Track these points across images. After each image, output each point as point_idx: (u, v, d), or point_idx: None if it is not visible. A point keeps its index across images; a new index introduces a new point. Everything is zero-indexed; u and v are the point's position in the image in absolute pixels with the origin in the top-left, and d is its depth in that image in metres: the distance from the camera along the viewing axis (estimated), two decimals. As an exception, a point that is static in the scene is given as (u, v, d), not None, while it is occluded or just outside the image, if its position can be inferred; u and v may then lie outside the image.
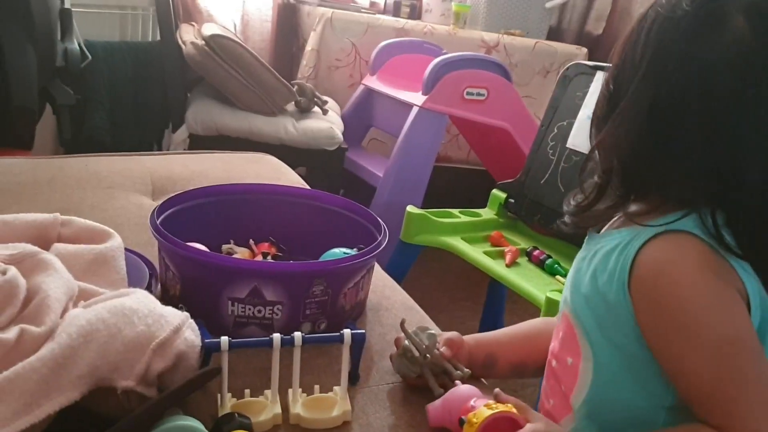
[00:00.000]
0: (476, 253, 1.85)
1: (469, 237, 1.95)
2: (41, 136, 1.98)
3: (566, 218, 0.81)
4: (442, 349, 0.86)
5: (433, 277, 2.48)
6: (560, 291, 1.59)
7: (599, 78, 1.90)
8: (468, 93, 2.35)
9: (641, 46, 0.73)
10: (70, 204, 1.32)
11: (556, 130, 1.96)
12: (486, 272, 1.83)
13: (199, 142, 2.28)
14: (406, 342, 0.86)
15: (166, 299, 0.99)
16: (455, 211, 2.07)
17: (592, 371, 0.75)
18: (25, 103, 1.81)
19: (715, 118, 0.68)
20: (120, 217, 1.29)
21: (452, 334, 0.90)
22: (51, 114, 2.09)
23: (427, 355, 0.85)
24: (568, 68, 2.00)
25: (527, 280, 1.72)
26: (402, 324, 0.87)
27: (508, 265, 1.81)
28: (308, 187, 1.61)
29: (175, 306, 0.95)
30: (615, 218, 0.78)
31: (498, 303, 2.24)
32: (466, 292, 2.51)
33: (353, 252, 1.05)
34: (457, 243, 1.91)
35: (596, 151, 0.76)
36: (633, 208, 0.75)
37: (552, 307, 1.51)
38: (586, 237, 0.81)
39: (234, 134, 2.29)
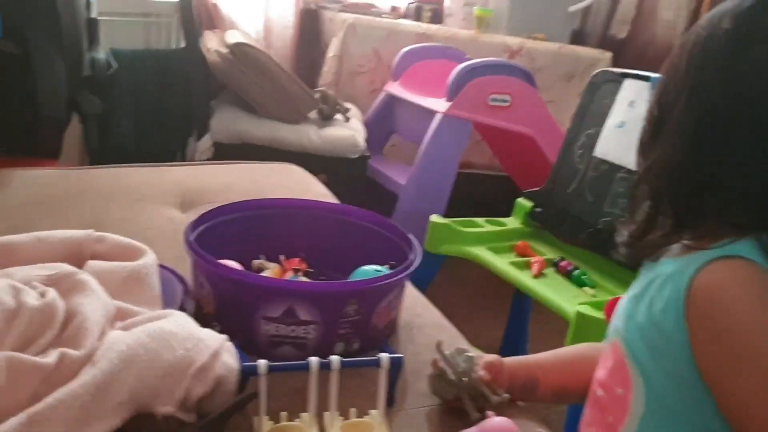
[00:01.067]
0: (502, 264, 1.84)
1: (495, 247, 1.94)
2: (68, 144, 1.99)
3: (621, 249, 0.80)
4: (481, 372, 0.85)
5: (456, 285, 2.47)
6: (590, 304, 1.58)
7: (627, 86, 1.88)
8: (492, 99, 2.34)
9: (684, 68, 0.72)
10: (102, 217, 1.33)
11: (583, 138, 1.94)
12: (512, 284, 1.82)
13: (223, 150, 2.29)
14: (443, 364, 0.86)
15: (200, 316, 0.99)
16: (480, 220, 2.06)
17: (644, 404, 0.74)
18: (54, 113, 1.82)
19: (763, 137, 0.67)
20: (151, 230, 1.29)
21: (492, 357, 0.89)
22: (78, 122, 2.10)
23: (464, 378, 0.84)
24: (595, 75, 1.99)
25: (555, 292, 1.71)
26: (438, 346, 0.86)
27: (534, 276, 1.80)
28: (335, 198, 1.62)
29: (210, 324, 0.97)
30: (671, 246, 0.76)
31: (523, 314, 2.22)
32: (489, 301, 2.49)
33: (385, 269, 1.05)
34: (483, 253, 1.90)
35: (645, 179, 0.75)
36: (687, 234, 0.73)
37: (582, 322, 1.50)
38: (642, 267, 0.79)
39: (257, 142, 2.30)
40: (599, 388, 0.81)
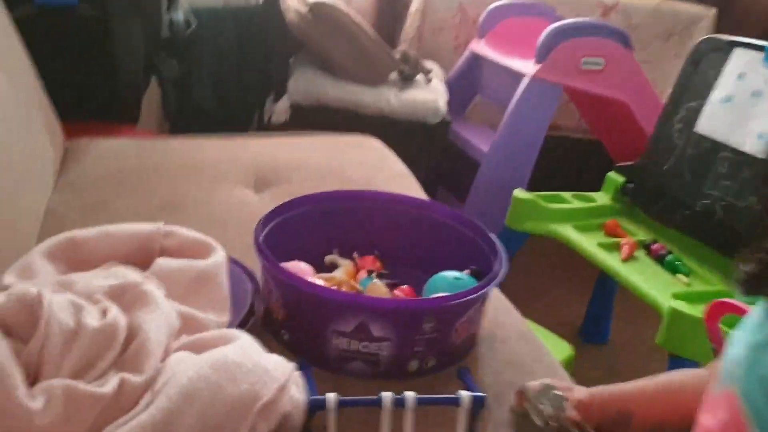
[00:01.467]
0: (589, 245, 1.73)
1: (582, 225, 1.84)
2: (147, 108, 1.97)
3: (738, 283, 0.69)
4: (571, 413, 0.78)
5: (536, 256, 2.37)
6: (685, 298, 1.47)
7: (737, 56, 1.72)
8: (585, 63, 2.19)
9: None
10: (175, 197, 1.30)
11: (683, 112, 1.80)
12: (600, 267, 1.72)
13: (300, 113, 2.23)
14: (528, 406, 0.79)
15: (268, 322, 0.95)
16: (567, 195, 1.95)
17: None
18: (132, 78, 1.80)
19: None
20: (223, 214, 1.25)
21: (582, 393, 0.81)
22: (156, 86, 2.08)
23: (551, 423, 0.77)
24: (700, 43, 1.82)
25: (646, 280, 1.60)
26: (520, 394, 0.79)
27: (624, 260, 1.70)
28: (413, 177, 1.54)
29: (278, 331, 0.92)
30: None
31: (608, 291, 2.12)
32: (572, 273, 2.39)
33: (465, 276, 0.98)
34: (569, 232, 1.80)
35: None
36: None
37: (676, 318, 1.40)
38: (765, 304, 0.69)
39: (335, 104, 2.23)
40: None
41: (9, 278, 0.88)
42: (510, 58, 2.33)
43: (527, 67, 2.21)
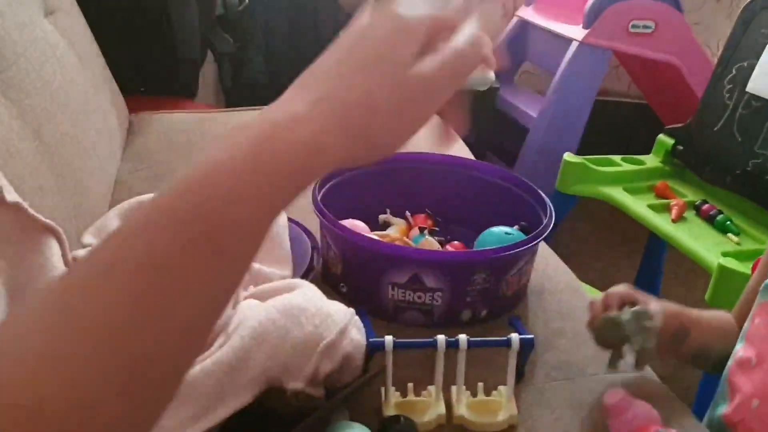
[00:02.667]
0: (639, 207, 1.75)
1: (632, 187, 1.85)
2: (203, 82, 2.04)
3: None
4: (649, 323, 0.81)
5: (587, 220, 2.38)
6: (733, 255, 1.48)
7: (789, 13, 1.70)
8: (633, 26, 2.18)
9: None
10: (234, 165, 1.35)
11: (734, 72, 1.79)
12: (650, 228, 1.74)
13: (351, 84, 2.27)
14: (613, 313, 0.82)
15: (327, 276, 1.00)
16: (616, 158, 1.97)
17: None
18: (189, 54, 1.86)
19: None
20: (280, 180, 1.30)
21: (655, 305, 0.83)
22: (212, 61, 2.15)
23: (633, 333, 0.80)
24: (750, 2, 1.80)
25: (696, 239, 1.62)
26: (595, 306, 0.85)
27: (674, 220, 1.71)
28: (461, 141, 1.57)
29: (337, 285, 0.98)
30: None
31: (658, 254, 2.13)
32: (622, 236, 2.40)
33: (514, 231, 1.02)
34: (619, 194, 1.82)
35: None
36: None
37: (725, 275, 1.41)
38: None
39: (385, 75, 2.26)
40: None
41: (88, 238, 0.95)
42: (558, 23, 2.33)
43: (575, 32, 2.21)
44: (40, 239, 0.73)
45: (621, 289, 0.85)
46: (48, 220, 0.72)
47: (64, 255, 0.74)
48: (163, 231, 0.33)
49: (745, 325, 0.86)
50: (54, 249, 0.73)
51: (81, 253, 0.80)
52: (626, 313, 0.81)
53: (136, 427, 0.33)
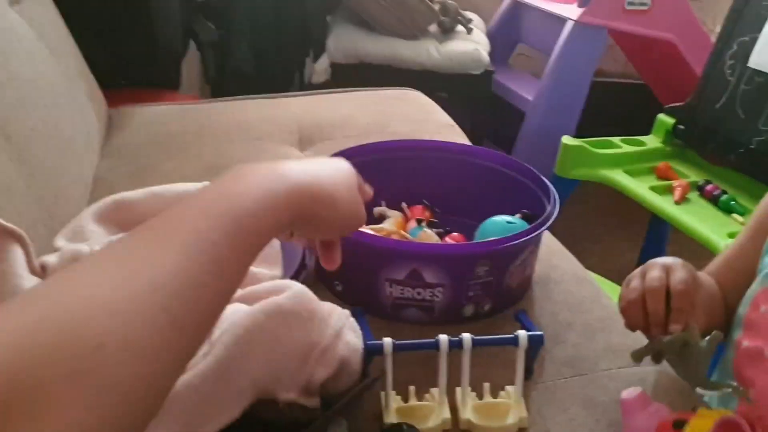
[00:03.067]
0: (641, 189, 1.69)
1: (633, 169, 1.79)
2: (187, 73, 1.98)
3: None
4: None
5: (587, 203, 2.32)
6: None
7: (793, -16, 1.64)
8: (629, 3, 2.12)
9: None
10: (220, 159, 1.29)
11: (735, 47, 1.73)
12: (653, 211, 1.68)
13: (340, 71, 2.21)
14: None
15: (321, 273, 0.95)
16: (616, 140, 1.91)
17: None
18: (171, 44, 1.80)
19: None
20: (269, 173, 1.24)
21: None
22: (195, 51, 2.08)
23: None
24: (752, -27, 1.74)
25: (700, 221, 1.56)
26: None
27: (677, 202, 1.65)
28: (458, 126, 1.52)
29: (331, 283, 0.92)
30: None
31: (661, 237, 2.08)
32: (623, 219, 2.34)
33: (516, 220, 0.96)
34: (620, 177, 1.76)
35: None
36: None
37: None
38: None
39: (375, 61, 2.20)
40: None
41: (60, 242, 0.89)
42: (552, 2, 2.27)
43: (570, 11, 2.15)
44: (2, 245, 0.67)
45: (684, 276, 0.73)
46: (10, 225, 0.66)
47: (29, 262, 0.68)
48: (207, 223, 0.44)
49: (744, 310, 0.79)
50: (18, 255, 0.67)
51: (51, 259, 0.74)
52: (704, 341, 0.70)
53: (169, 377, 0.39)
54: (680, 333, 0.70)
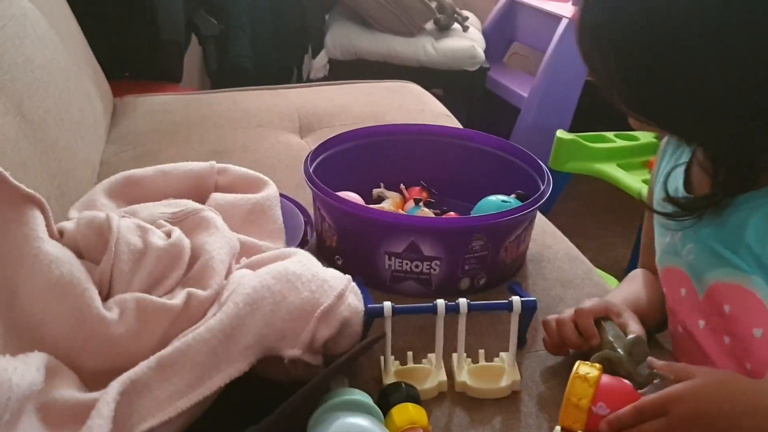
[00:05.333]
0: (634, 182, 1.73)
1: (626, 163, 1.84)
2: (188, 66, 2.01)
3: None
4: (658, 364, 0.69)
5: (581, 199, 2.36)
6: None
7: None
8: (623, 1, 2.16)
9: None
10: (223, 145, 1.33)
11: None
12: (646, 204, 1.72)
13: (338, 68, 2.25)
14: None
15: (322, 249, 0.98)
16: (610, 134, 1.95)
17: None
18: (173, 37, 1.83)
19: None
20: (271, 158, 1.28)
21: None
22: (197, 44, 2.11)
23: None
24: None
25: (692, 213, 1.59)
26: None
27: (668, 195, 1.69)
28: (454, 118, 1.55)
29: (332, 257, 0.95)
30: None
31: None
32: (616, 215, 2.38)
33: (511, 200, 0.99)
34: (613, 170, 1.80)
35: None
36: None
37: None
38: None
39: (372, 57, 2.24)
40: (726, 336, 0.72)
41: (74, 213, 0.92)
42: (546, 0, 2.31)
43: (565, 9, 2.19)
44: (23, 209, 0.70)
45: (592, 304, 0.78)
46: (30, 191, 0.70)
47: (48, 226, 0.72)
48: None
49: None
50: (39, 219, 0.70)
51: (68, 225, 0.77)
52: (621, 348, 0.72)
53: None
54: (601, 352, 0.72)
